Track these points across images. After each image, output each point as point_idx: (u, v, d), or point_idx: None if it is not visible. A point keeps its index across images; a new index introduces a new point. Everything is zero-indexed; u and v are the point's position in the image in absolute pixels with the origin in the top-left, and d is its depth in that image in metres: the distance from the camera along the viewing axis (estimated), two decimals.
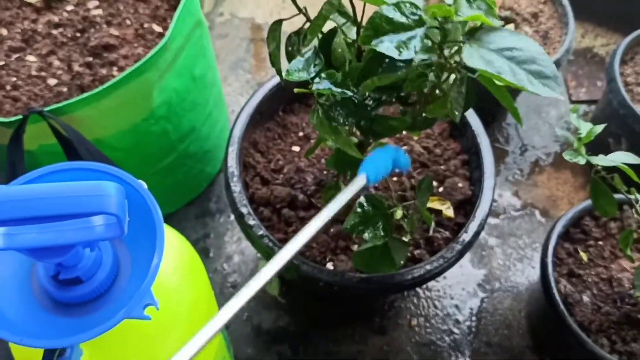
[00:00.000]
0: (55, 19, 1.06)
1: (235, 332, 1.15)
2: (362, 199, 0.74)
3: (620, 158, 0.75)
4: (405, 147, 1.02)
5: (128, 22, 1.06)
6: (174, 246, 0.69)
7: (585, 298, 0.97)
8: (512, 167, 1.37)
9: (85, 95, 0.86)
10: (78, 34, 1.04)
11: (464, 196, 0.95)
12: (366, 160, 0.69)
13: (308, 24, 0.78)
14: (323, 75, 0.66)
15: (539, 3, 1.29)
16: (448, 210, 0.94)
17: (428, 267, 0.86)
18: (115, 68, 1.00)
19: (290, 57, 0.78)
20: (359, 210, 0.73)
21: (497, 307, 1.20)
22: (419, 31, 0.55)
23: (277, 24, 0.77)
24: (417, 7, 0.56)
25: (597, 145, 1.30)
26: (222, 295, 1.19)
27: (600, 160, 0.72)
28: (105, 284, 0.55)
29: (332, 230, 0.93)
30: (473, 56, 0.51)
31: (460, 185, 0.96)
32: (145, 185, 0.60)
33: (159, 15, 1.07)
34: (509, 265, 1.25)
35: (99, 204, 0.46)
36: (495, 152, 1.39)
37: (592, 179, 0.78)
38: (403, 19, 0.56)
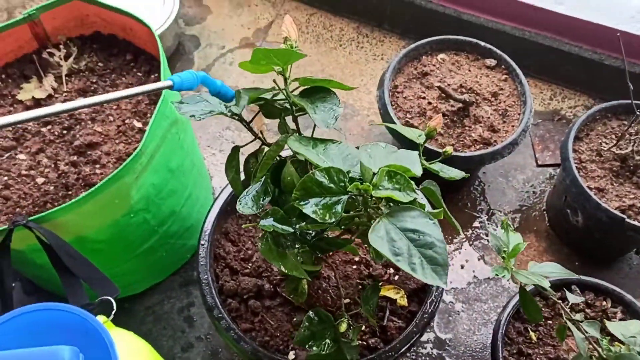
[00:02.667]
0: None
1: None
2: (310, 313, 0.82)
3: (546, 269, 0.82)
4: None
5: (111, 118, 1.16)
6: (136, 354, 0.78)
7: None
8: (479, 231, 1.45)
9: (65, 204, 0.94)
10: (65, 132, 1.14)
11: (417, 285, 1.03)
12: (178, 74, 0.82)
13: (265, 147, 0.87)
14: (268, 211, 0.74)
15: (499, 81, 1.36)
16: (402, 299, 1.02)
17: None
18: (97, 166, 1.09)
19: (248, 176, 0.87)
20: (306, 324, 0.81)
21: None
22: (344, 197, 0.63)
23: (235, 151, 0.85)
24: (345, 176, 0.64)
25: (558, 214, 1.38)
26: None
27: (523, 278, 0.79)
28: None
29: (294, 319, 1.01)
30: (379, 234, 0.59)
31: None
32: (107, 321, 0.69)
33: (139, 111, 1.16)
34: (474, 330, 1.33)
35: None
36: (463, 217, 1.47)
37: (520, 289, 0.85)
38: (331, 185, 0.64)
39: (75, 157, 1.10)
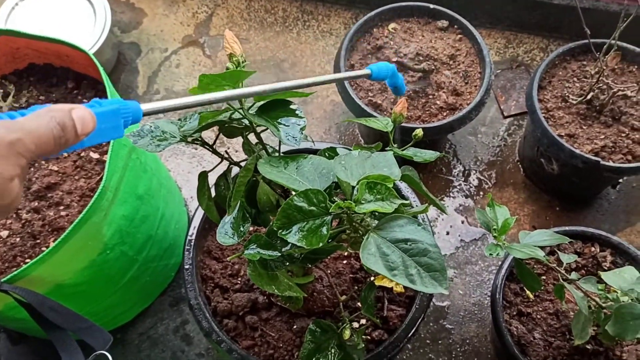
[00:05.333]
0: None
1: None
2: (311, 325, 0.81)
3: (538, 239, 0.82)
4: None
5: (65, 154, 1.10)
6: None
7: (537, 335, 1.05)
8: (458, 195, 1.44)
9: (36, 259, 0.89)
10: None
11: None
12: (376, 65, 0.82)
13: (233, 167, 0.83)
14: (251, 238, 0.71)
15: (454, 42, 1.33)
16: (398, 286, 1.01)
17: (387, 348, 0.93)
18: (61, 207, 1.04)
19: (222, 199, 0.83)
20: (309, 337, 0.79)
21: (464, 337, 1.28)
22: (327, 218, 0.61)
23: (203, 177, 0.82)
24: (324, 196, 0.61)
25: (533, 164, 1.38)
26: None
27: (517, 253, 0.78)
28: None
29: (295, 326, 0.99)
30: (370, 251, 0.56)
31: None
32: None
33: None
34: (469, 294, 1.33)
35: None
36: (440, 183, 1.47)
37: (516, 261, 0.85)
38: (312, 208, 0.61)
39: (36, 203, 1.04)
